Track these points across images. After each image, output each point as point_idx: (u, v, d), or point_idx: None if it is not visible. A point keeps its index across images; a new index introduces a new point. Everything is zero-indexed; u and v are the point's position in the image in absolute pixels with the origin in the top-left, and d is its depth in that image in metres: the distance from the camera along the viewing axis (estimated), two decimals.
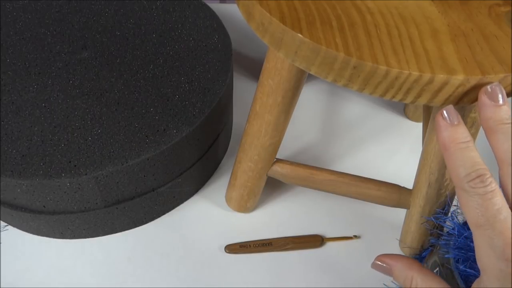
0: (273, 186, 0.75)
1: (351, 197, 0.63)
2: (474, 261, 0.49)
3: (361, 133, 0.84)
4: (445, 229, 0.59)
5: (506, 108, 0.39)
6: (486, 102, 0.38)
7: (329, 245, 0.68)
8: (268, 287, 0.63)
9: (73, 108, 0.62)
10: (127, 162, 0.57)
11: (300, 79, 0.51)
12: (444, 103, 0.40)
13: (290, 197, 0.74)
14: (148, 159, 0.59)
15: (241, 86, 0.90)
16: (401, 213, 0.73)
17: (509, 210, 0.38)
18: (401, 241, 0.67)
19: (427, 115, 0.67)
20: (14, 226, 0.66)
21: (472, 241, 0.51)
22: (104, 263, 0.64)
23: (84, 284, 0.62)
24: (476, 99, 0.40)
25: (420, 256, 0.64)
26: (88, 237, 0.66)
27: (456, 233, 0.53)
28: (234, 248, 0.66)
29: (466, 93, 0.39)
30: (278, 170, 0.62)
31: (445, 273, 0.53)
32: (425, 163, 0.57)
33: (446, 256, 0.53)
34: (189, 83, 0.66)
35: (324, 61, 0.40)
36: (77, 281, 0.62)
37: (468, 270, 0.49)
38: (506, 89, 0.39)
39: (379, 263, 0.49)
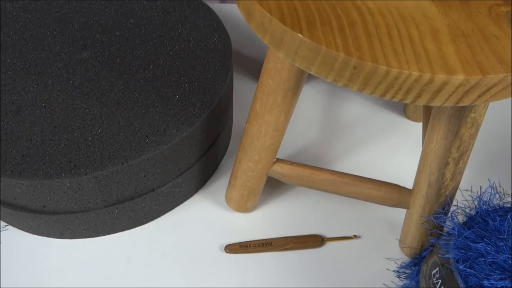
0: (273, 186, 0.75)
1: (351, 197, 0.63)
2: (474, 261, 0.49)
3: (361, 133, 0.84)
4: (445, 229, 0.59)
5: None
6: None
7: (329, 245, 0.68)
8: (268, 287, 0.63)
9: (73, 108, 0.62)
10: (127, 162, 0.57)
11: (300, 79, 0.51)
12: (444, 103, 0.40)
13: (290, 197, 0.74)
14: (148, 159, 0.59)
15: (241, 86, 0.90)
16: (401, 213, 0.73)
17: None
18: (401, 241, 0.67)
19: (427, 115, 0.67)
20: (14, 226, 0.66)
21: (472, 241, 0.51)
22: (104, 263, 0.64)
23: (84, 284, 0.62)
24: (476, 99, 0.40)
25: (420, 256, 0.64)
26: (88, 237, 0.66)
27: (456, 233, 0.53)
28: (234, 248, 0.66)
29: (466, 93, 0.39)
30: (278, 170, 0.62)
31: (445, 273, 0.53)
32: (425, 163, 0.57)
33: (446, 256, 0.53)
34: (189, 83, 0.66)
35: (324, 61, 0.40)
36: (77, 281, 0.62)
37: (468, 270, 0.49)
38: (506, 89, 0.39)
39: None
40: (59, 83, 0.65)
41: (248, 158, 0.61)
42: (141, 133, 0.60)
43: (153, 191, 0.64)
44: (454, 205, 0.60)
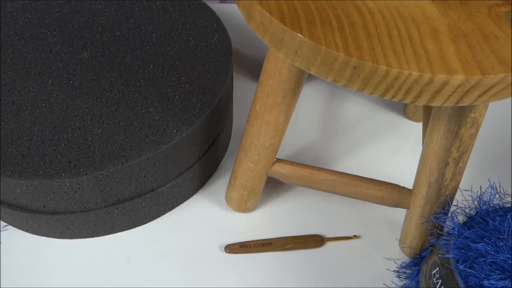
0: (273, 186, 0.75)
1: (351, 197, 0.63)
2: (474, 261, 0.49)
3: (361, 133, 0.84)
4: (445, 229, 0.59)
5: None
6: None
7: (329, 245, 0.68)
8: (268, 287, 0.63)
9: (73, 108, 0.62)
10: (127, 162, 0.57)
11: (300, 79, 0.51)
12: (444, 103, 0.40)
13: (290, 197, 0.74)
14: (148, 159, 0.59)
15: (241, 86, 0.90)
16: (401, 213, 0.73)
17: None
18: (401, 241, 0.67)
19: (427, 115, 0.67)
20: (14, 226, 0.66)
21: (472, 241, 0.51)
22: (104, 263, 0.64)
23: (84, 284, 0.62)
24: (476, 99, 0.40)
25: (420, 256, 0.64)
26: (88, 237, 0.66)
27: (456, 233, 0.53)
28: (234, 248, 0.66)
29: (466, 93, 0.39)
30: (278, 170, 0.62)
31: (445, 273, 0.53)
32: (425, 163, 0.57)
33: (446, 256, 0.53)
34: (189, 83, 0.66)
35: (324, 61, 0.40)
36: (77, 281, 0.62)
37: (468, 270, 0.49)
38: (506, 89, 0.39)
39: None
40: (59, 83, 0.65)
41: (248, 158, 0.61)
42: (141, 133, 0.60)
43: (153, 191, 0.64)
44: (454, 205, 0.60)
